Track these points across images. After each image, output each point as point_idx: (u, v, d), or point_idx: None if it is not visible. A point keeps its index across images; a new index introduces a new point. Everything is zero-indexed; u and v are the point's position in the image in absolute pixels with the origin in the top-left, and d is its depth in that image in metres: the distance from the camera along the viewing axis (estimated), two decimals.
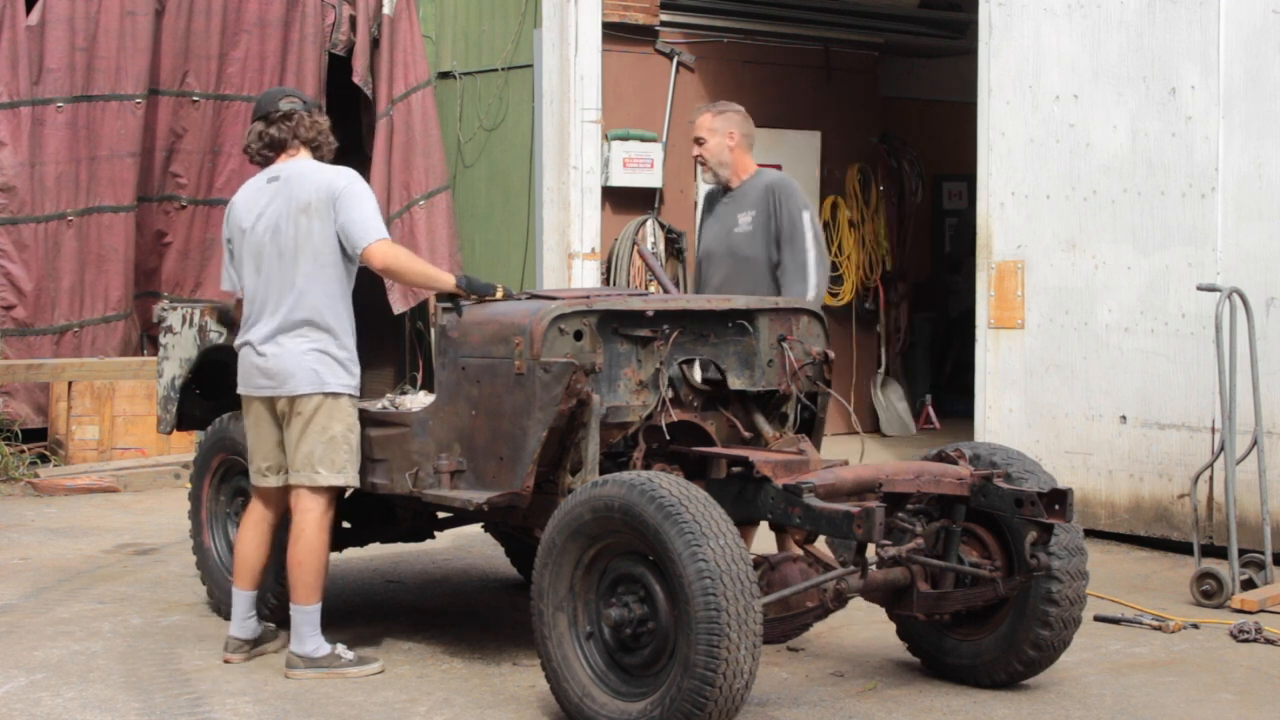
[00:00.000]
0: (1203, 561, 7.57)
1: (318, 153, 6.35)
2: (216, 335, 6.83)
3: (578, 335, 5.79)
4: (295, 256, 6.13)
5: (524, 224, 12.66)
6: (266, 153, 6.31)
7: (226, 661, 6.30)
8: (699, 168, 7.33)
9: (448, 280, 6.16)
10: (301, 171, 6.22)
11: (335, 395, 6.14)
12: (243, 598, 6.37)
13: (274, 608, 6.51)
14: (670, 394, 6.02)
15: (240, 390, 6.32)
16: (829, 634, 6.72)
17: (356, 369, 6.23)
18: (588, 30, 11.93)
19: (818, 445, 6.25)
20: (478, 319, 6.02)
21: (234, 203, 6.39)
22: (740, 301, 6.28)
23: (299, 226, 6.12)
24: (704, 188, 7.55)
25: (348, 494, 6.45)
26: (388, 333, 13.30)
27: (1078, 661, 6.33)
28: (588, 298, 6.04)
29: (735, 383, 6.15)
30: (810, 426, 6.35)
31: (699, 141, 7.17)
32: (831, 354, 6.32)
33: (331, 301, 6.15)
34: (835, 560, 5.72)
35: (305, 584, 6.11)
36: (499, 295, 6.12)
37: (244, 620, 6.37)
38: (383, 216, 6.28)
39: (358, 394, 6.23)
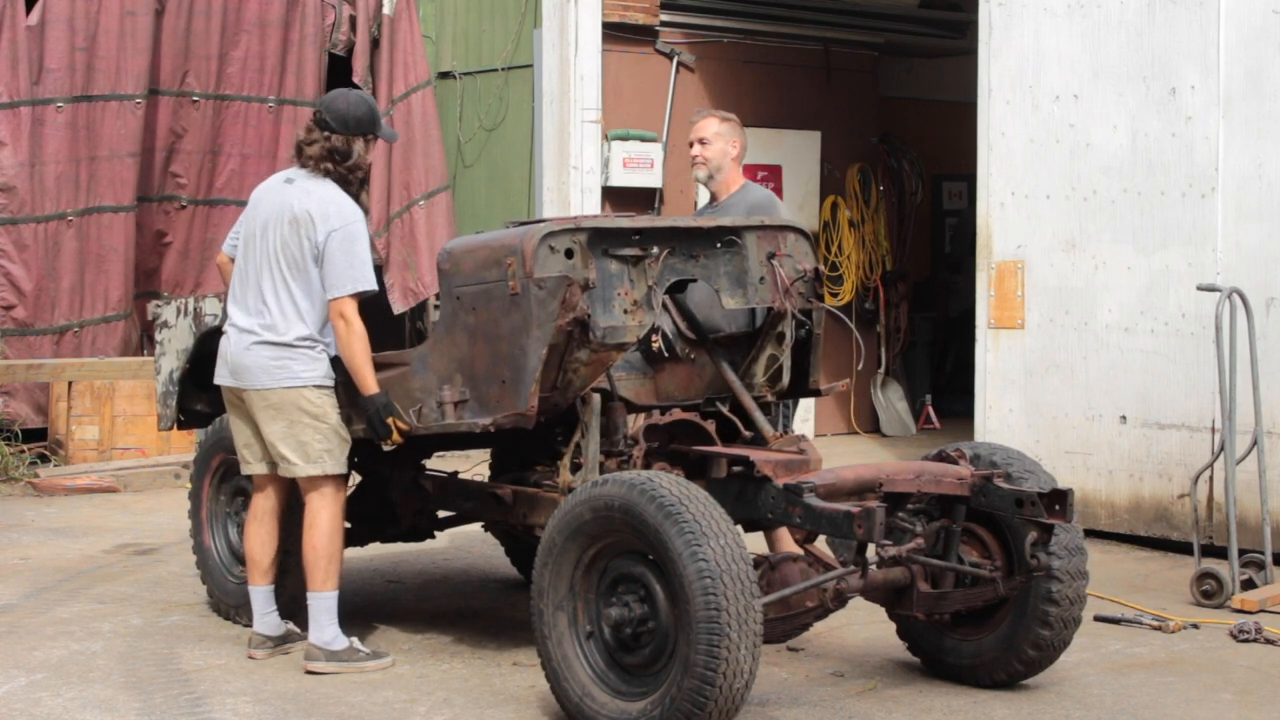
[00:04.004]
0: (1203, 561, 7.57)
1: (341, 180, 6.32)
2: (212, 318, 6.81)
3: (568, 253, 5.78)
4: (276, 260, 6.18)
5: None
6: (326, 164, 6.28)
7: (250, 657, 6.33)
8: (694, 167, 7.29)
9: (367, 387, 6.10)
10: (308, 190, 6.23)
11: (296, 388, 6.15)
12: (259, 593, 6.40)
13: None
14: (663, 347, 6.04)
15: (215, 378, 6.39)
16: (829, 634, 6.72)
17: (322, 358, 6.21)
18: (588, 30, 11.93)
19: (816, 364, 6.33)
20: (468, 247, 6.03)
21: (260, 187, 6.46)
22: (726, 220, 6.32)
23: (284, 235, 6.17)
24: (704, 191, 7.52)
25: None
26: (388, 333, 13.27)
27: (1078, 661, 6.33)
28: (575, 219, 6.07)
29: (729, 302, 6.16)
30: (808, 345, 6.38)
31: (702, 142, 7.18)
32: (823, 269, 6.36)
33: (300, 308, 6.17)
34: (835, 560, 5.73)
35: (321, 570, 6.17)
36: (392, 437, 6.11)
37: (265, 616, 6.41)
38: (373, 237, 6.27)
39: (329, 382, 6.22)
